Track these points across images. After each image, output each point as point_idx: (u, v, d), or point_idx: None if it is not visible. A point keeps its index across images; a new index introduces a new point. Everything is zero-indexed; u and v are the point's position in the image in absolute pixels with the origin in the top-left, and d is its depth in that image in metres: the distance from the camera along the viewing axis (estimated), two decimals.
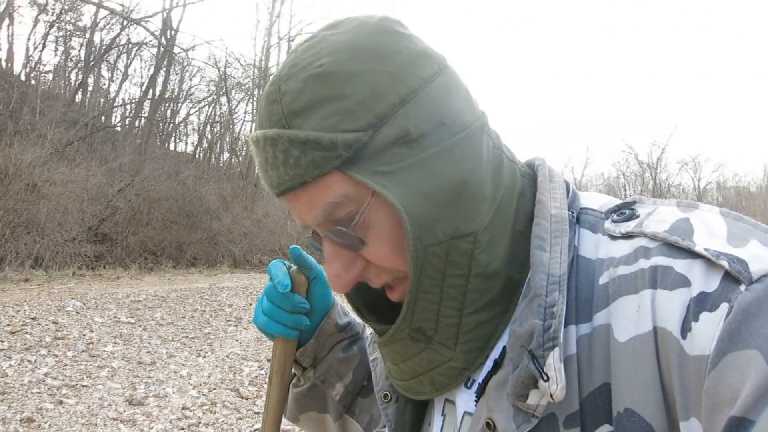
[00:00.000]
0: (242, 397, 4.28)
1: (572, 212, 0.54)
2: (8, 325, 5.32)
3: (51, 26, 17.75)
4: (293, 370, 0.76)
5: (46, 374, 4.21)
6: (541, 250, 0.49)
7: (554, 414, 0.45)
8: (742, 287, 0.38)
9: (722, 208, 0.47)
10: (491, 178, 0.52)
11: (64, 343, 5.04)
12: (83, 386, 4.09)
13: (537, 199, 0.54)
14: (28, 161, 10.56)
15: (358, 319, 0.74)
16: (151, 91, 19.91)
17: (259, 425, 3.42)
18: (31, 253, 9.76)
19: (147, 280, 10.26)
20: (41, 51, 17.60)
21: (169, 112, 22.22)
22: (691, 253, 0.42)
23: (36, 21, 17.10)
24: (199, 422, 3.71)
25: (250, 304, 8.26)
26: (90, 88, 20.38)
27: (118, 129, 19.07)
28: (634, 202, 0.53)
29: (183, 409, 3.89)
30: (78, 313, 6.25)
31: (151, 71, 20.02)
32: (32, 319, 5.67)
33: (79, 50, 19.78)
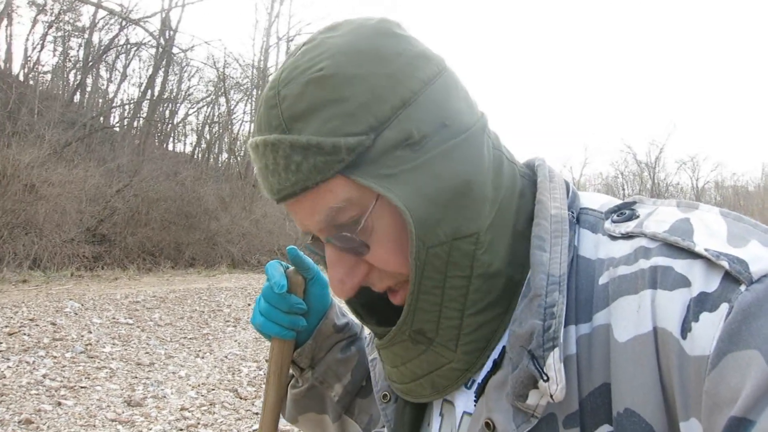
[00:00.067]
0: (241, 398, 4.28)
1: (572, 212, 0.54)
2: (6, 326, 5.31)
3: (49, 26, 17.74)
4: (292, 371, 0.76)
5: (44, 375, 4.20)
6: (541, 250, 0.49)
7: (554, 414, 0.45)
8: (743, 287, 0.38)
9: (722, 209, 0.47)
10: (492, 179, 0.52)
11: (63, 345, 5.03)
12: (82, 387, 4.09)
13: (537, 199, 0.54)
14: (26, 162, 10.54)
15: (356, 320, 0.74)
16: (149, 91, 19.88)
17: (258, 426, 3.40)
18: (29, 254, 9.75)
19: (145, 281, 10.25)
20: (40, 51, 17.61)
21: (167, 112, 22.21)
22: (691, 254, 0.42)
23: (34, 21, 17.09)
24: (198, 423, 3.70)
25: (249, 305, 8.25)
26: (88, 89, 20.36)
27: (117, 129, 19.06)
28: (634, 203, 0.53)
29: (182, 409, 3.88)
30: (76, 314, 6.24)
31: (150, 71, 20.00)
32: (30, 320, 5.66)
33: (78, 50, 19.76)
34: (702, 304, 0.40)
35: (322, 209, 0.50)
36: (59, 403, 3.72)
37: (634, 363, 0.42)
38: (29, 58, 17.28)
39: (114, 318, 6.32)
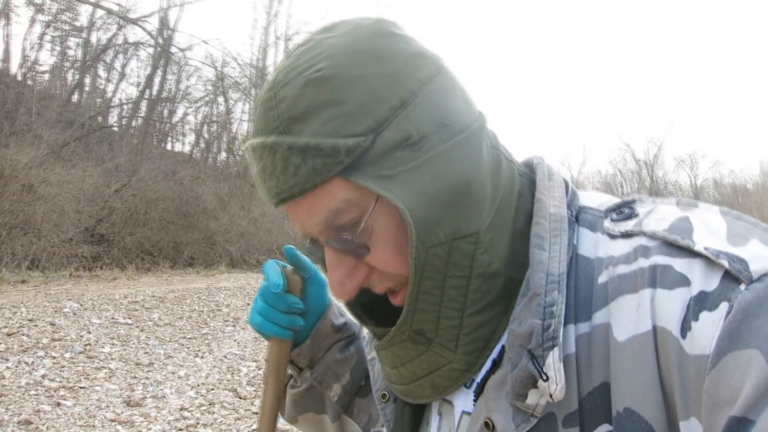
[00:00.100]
0: (240, 398, 4.28)
1: (571, 211, 0.53)
2: (5, 327, 5.30)
3: (47, 26, 17.68)
4: (290, 371, 0.76)
5: (43, 376, 4.20)
6: (540, 249, 0.49)
7: (553, 413, 0.45)
8: (742, 286, 0.38)
9: (722, 207, 0.47)
10: (491, 178, 0.52)
11: (62, 345, 5.02)
12: (81, 388, 4.08)
13: (536, 198, 0.54)
14: (24, 162, 10.52)
15: (354, 320, 0.74)
16: (147, 91, 19.85)
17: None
18: (27, 255, 9.73)
19: (144, 281, 10.23)
20: (37, 51, 17.53)
21: (165, 111, 22.14)
22: (691, 252, 0.42)
23: (32, 21, 17.03)
24: (198, 423, 3.70)
25: (248, 304, 8.24)
26: (86, 88, 20.31)
27: (115, 129, 19.01)
28: (634, 201, 0.52)
29: (181, 409, 3.88)
30: (75, 314, 6.23)
31: (148, 71, 19.96)
32: (29, 320, 5.65)
33: (76, 50, 19.69)
34: (702, 303, 0.39)
35: (322, 211, 0.49)
36: (58, 404, 3.72)
37: (634, 362, 0.42)
38: (27, 58, 17.23)
39: (113, 318, 6.31)
